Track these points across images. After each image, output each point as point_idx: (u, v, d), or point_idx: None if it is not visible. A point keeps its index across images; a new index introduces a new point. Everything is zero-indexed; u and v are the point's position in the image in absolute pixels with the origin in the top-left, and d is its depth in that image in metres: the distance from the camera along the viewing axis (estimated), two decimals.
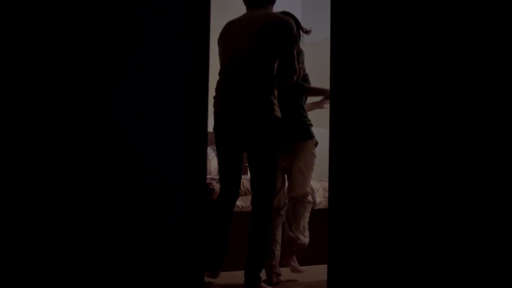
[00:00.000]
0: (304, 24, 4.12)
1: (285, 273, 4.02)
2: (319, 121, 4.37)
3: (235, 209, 3.97)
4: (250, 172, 3.47)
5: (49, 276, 2.04)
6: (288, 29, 3.39)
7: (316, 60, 4.16)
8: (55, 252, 2.05)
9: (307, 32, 3.97)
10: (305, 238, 3.91)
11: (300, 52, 3.85)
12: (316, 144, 3.96)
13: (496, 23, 1.86)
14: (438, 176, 1.96)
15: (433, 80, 2.00)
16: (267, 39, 3.35)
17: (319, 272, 3.87)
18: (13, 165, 2.00)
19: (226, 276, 3.72)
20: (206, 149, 2.36)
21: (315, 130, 4.04)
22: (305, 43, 4.19)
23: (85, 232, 2.08)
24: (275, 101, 3.37)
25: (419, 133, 2.02)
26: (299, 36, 3.91)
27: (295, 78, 3.47)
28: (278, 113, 3.37)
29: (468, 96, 1.91)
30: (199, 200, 2.25)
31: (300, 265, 4.03)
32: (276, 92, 3.39)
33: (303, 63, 3.88)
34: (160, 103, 2.20)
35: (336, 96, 2.30)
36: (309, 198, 3.95)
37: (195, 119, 2.25)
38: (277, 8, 3.88)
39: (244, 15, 3.53)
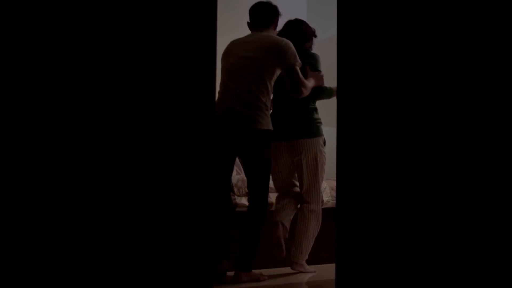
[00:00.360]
0: (309, 23, 4.17)
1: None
2: (327, 120, 4.39)
3: (242, 209, 3.99)
4: (245, 175, 3.79)
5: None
6: (285, 51, 3.69)
7: (322, 59, 4.19)
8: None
9: (314, 34, 4.14)
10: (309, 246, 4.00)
11: (316, 59, 3.99)
12: (324, 142, 3.98)
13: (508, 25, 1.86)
14: (447, 174, 1.97)
15: (442, 79, 2.00)
16: (266, 60, 3.67)
17: (327, 271, 3.88)
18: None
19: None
20: (212, 149, 2.37)
21: (322, 128, 4.05)
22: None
23: (85, 233, 2.09)
24: (268, 114, 3.68)
25: (429, 132, 2.02)
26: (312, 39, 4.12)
27: (304, 92, 3.75)
28: (270, 125, 3.68)
29: (478, 95, 1.91)
30: (206, 201, 2.26)
31: (308, 264, 4.04)
32: (269, 105, 3.73)
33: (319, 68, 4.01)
34: (167, 102, 2.21)
35: (343, 95, 2.31)
36: (319, 210, 3.97)
37: (203, 120, 2.27)
38: (282, 8, 3.93)
39: (247, 36, 3.87)
